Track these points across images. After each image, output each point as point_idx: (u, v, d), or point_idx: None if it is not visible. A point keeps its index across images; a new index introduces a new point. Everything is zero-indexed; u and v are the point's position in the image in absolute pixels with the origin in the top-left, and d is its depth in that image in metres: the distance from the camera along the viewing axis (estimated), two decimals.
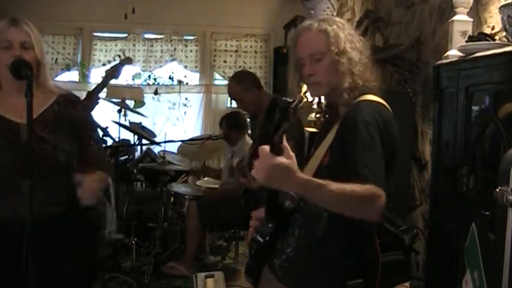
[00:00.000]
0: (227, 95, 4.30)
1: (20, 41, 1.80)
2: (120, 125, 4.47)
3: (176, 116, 6.31)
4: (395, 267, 1.63)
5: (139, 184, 5.05)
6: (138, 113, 4.94)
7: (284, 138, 1.41)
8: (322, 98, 1.81)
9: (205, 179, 4.90)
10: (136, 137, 4.44)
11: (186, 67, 6.34)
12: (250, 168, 1.43)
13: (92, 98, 3.27)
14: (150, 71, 6.29)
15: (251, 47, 6.45)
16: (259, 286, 1.79)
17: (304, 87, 1.80)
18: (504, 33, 2.06)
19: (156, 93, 6.17)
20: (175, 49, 6.26)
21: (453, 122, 2.23)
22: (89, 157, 1.96)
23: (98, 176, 1.89)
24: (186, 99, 6.35)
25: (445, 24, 2.66)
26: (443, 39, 2.71)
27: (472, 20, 2.35)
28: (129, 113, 5.07)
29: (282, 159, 1.38)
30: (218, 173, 4.85)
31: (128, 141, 4.68)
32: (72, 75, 6.18)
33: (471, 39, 2.21)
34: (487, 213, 1.57)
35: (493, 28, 2.31)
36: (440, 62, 2.43)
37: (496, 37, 2.22)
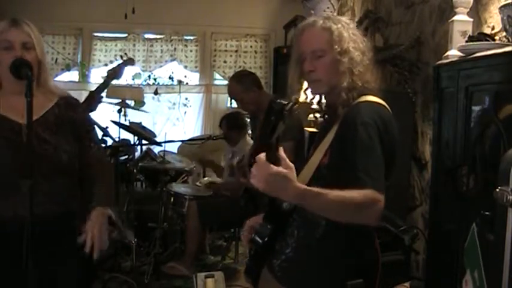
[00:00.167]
0: (227, 95, 4.31)
1: (21, 42, 1.81)
2: (120, 125, 4.46)
3: (176, 116, 6.31)
4: (395, 267, 1.62)
5: (139, 184, 5.04)
6: (139, 109, 4.92)
7: (281, 148, 1.41)
8: (323, 97, 1.80)
9: (205, 179, 4.90)
10: (136, 137, 4.44)
11: (186, 67, 6.34)
12: (250, 167, 1.43)
13: (94, 98, 3.27)
14: (150, 71, 6.28)
15: (251, 47, 6.45)
16: (258, 286, 1.78)
17: (305, 85, 1.79)
18: (504, 33, 2.06)
19: (156, 93, 6.16)
20: (175, 49, 6.26)
21: (453, 122, 2.23)
22: (89, 158, 1.98)
23: (98, 212, 1.84)
24: (186, 99, 6.35)
25: (445, 24, 2.66)
26: (443, 39, 2.71)
27: (472, 20, 2.35)
28: (129, 113, 5.07)
29: (280, 169, 1.38)
30: (220, 170, 4.85)
31: (128, 141, 4.67)
32: (72, 75, 6.18)
33: (471, 39, 2.21)
34: (487, 213, 1.57)
35: (493, 28, 2.31)
36: (440, 62, 2.43)
37: (496, 37, 2.22)
